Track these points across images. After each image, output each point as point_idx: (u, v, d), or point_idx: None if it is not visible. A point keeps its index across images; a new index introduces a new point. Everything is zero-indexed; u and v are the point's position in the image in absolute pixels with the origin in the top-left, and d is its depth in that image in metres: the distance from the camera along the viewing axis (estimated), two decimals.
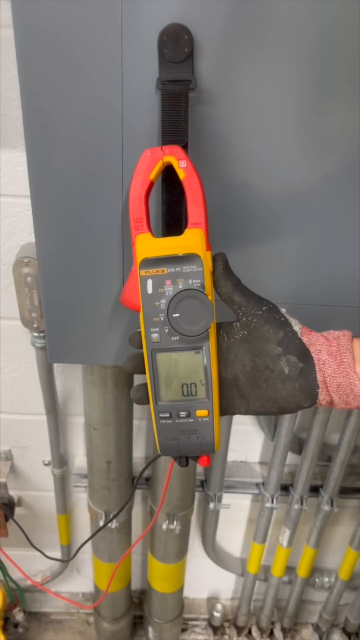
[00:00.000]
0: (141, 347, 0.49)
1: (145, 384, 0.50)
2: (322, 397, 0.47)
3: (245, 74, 0.50)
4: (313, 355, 0.47)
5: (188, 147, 0.50)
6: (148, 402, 0.50)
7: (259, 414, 0.50)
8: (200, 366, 0.48)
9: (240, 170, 0.55)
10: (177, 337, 0.47)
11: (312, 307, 0.63)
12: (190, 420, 0.49)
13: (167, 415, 0.50)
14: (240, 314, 0.48)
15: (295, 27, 0.48)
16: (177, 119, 0.50)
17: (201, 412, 0.49)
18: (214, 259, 0.48)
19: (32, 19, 0.48)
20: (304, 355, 0.47)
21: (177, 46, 0.48)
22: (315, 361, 0.46)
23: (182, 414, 0.49)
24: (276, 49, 0.49)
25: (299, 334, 0.47)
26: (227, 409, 0.51)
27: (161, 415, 0.50)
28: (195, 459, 0.52)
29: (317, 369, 0.46)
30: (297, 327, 0.48)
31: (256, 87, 0.51)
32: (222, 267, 0.48)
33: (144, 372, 0.50)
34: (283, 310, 0.49)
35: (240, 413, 0.50)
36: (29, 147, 0.54)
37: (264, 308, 0.48)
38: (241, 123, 0.53)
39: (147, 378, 0.49)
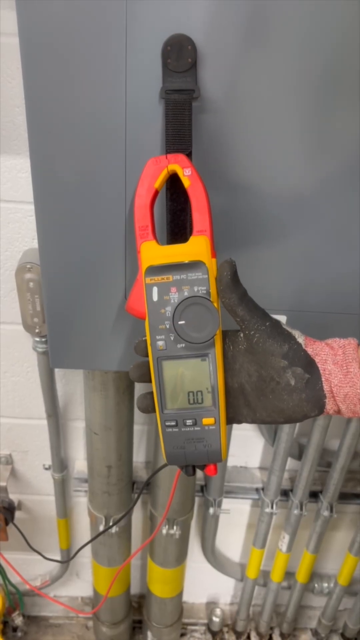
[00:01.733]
0: (147, 355, 0.49)
1: (151, 392, 0.50)
2: (330, 406, 0.46)
3: (248, 83, 0.51)
4: (319, 365, 0.46)
5: (192, 155, 0.50)
6: (154, 411, 0.50)
7: (265, 423, 0.49)
8: (206, 373, 0.48)
9: (244, 178, 0.55)
10: (183, 345, 0.47)
11: (314, 315, 0.63)
12: (196, 428, 0.49)
13: (174, 423, 0.49)
14: (243, 326, 0.47)
15: (298, 35, 0.49)
16: (181, 127, 0.50)
17: (208, 420, 0.49)
18: (221, 266, 0.47)
19: (37, 28, 0.48)
20: (310, 365, 0.46)
21: (180, 56, 0.49)
22: (321, 371, 0.46)
23: (189, 422, 0.49)
24: (278, 58, 0.50)
25: (303, 346, 0.47)
26: (233, 418, 0.50)
27: (167, 423, 0.49)
28: (202, 468, 0.52)
29: (323, 379, 0.46)
30: (300, 338, 0.47)
31: (259, 95, 0.51)
32: (229, 277, 0.46)
33: (149, 381, 0.49)
34: (284, 318, 0.48)
35: (247, 422, 0.50)
36: (33, 154, 0.55)
37: (267, 324, 0.47)
38: (245, 131, 0.53)
39: (153, 386, 0.49)
